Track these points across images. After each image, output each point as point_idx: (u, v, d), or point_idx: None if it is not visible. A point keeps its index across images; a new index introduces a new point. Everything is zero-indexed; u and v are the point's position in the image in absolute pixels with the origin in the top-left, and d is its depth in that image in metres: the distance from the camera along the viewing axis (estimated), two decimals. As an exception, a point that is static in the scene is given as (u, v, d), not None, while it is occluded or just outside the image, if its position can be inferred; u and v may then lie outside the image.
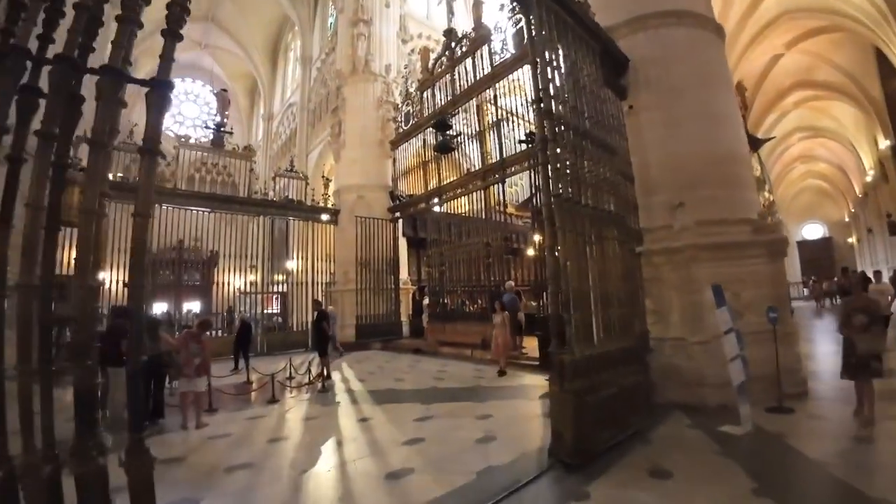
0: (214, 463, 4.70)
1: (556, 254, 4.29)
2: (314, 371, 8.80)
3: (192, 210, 14.25)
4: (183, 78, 34.05)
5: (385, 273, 15.87)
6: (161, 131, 2.44)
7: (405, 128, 15.94)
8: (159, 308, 20.63)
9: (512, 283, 11.61)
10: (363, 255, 15.39)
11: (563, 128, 4.68)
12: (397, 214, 16.42)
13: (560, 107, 4.68)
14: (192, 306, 21.61)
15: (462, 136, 13.84)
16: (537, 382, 7.97)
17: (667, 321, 6.64)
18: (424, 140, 15.26)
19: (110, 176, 13.38)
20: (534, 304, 11.61)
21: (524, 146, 11.08)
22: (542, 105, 4.61)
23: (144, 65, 31.27)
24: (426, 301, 14.80)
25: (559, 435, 4.26)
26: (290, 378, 9.30)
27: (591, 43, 6.05)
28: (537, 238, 17.19)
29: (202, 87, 34.66)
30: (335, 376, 9.60)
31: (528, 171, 11.06)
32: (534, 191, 9.61)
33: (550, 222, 4.35)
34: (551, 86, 4.65)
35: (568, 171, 4.61)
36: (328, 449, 5.01)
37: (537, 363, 8.92)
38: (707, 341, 6.07)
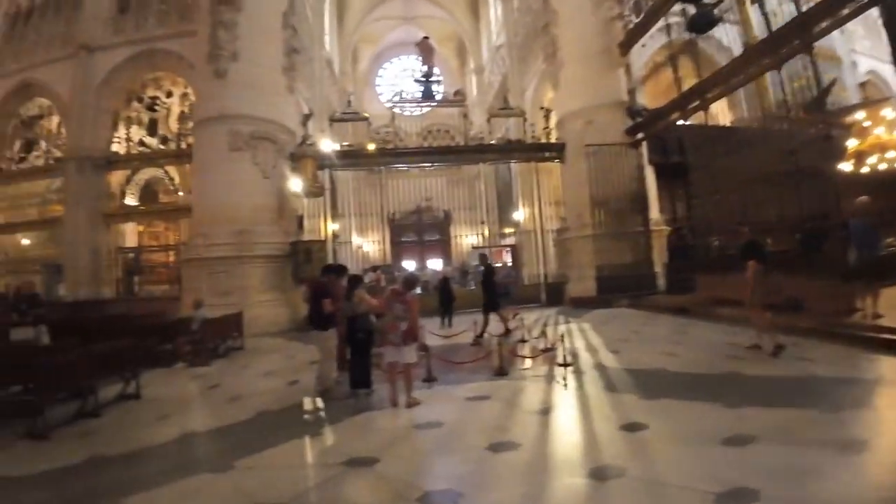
0: (409, 475, 3.30)
1: None
2: (549, 336, 6.83)
3: (416, 169, 14.19)
4: (399, 56, 35.54)
5: (629, 212, 12.84)
6: None
7: (637, 19, 12.25)
8: (408, 266, 22.20)
9: (866, 198, 7.21)
10: (599, 193, 12.67)
11: None
12: (639, 136, 13.04)
13: None
14: (435, 264, 22.64)
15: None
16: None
17: None
18: (668, 28, 11.40)
19: (338, 145, 14.08)
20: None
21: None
22: None
23: (365, 51, 33.89)
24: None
25: None
26: (523, 341, 7.78)
27: None
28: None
29: (415, 59, 35.55)
30: (578, 342, 7.54)
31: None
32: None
33: None
34: None
35: None
36: (577, 489, 2.92)
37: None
38: None
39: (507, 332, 8.47)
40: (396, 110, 14.77)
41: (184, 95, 14.54)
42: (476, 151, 13.93)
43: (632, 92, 13.28)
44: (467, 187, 14.83)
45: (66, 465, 3.85)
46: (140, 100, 14.87)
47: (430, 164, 14.29)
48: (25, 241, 15.46)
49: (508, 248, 18.22)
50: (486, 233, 15.65)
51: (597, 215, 12.65)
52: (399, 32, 32.85)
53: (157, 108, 14.70)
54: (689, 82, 10.99)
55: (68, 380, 5.09)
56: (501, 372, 5.81)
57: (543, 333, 6.88)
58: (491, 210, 14.77)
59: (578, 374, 5.68)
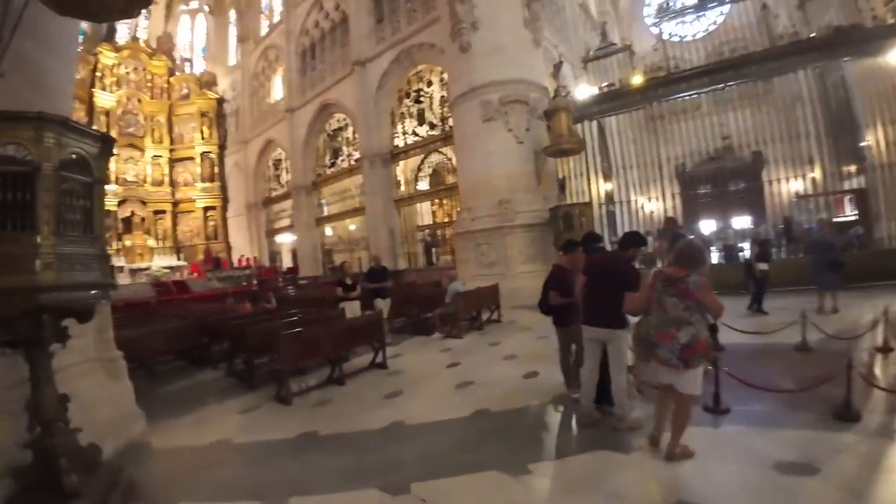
0: None
1: None
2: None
3: (707, 103, 11.04)
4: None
5: None
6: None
7: None
8: (706, 227, 18.08)
9: None
10: None
11: None
12: None
13: None
14: (741, 221, 17.75)
15: None
16: None
17: None
18: None
19: (595, 89, 12.11)
20: None
21: None
22: None
23: None
24: None
25: None
26: (885, 350, 4.72)
27: None
28: None
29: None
30: None
31: None
32: None
33: None
34: None
35: None
36: None
37: None
38: None
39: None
40: (665, 34, 11.52)
41: (441, 81, 15.26)
42: (788, 54, 9.64)
43: None
44: (782, 115, 10.72)
45: (278, 438, 4.06)
46: (408, 95, 16.49)
47: (721, 87, 10.44)
48: (352, 227, 19.56)
49: (851, 196, 12.65)
50: (817, 174, 11.11)
51: None
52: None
53: (422, 99, 15.96)
54: None
55: (311, 352, 5.53)
56: (848, 415, 3.34)
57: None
58: (821, 141, 10.25)
59: None
